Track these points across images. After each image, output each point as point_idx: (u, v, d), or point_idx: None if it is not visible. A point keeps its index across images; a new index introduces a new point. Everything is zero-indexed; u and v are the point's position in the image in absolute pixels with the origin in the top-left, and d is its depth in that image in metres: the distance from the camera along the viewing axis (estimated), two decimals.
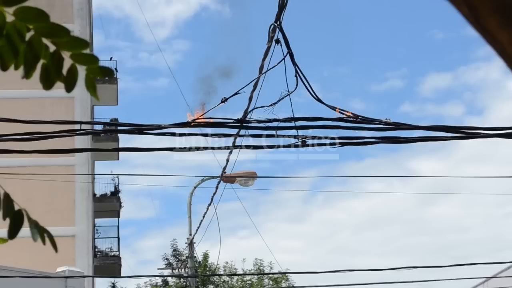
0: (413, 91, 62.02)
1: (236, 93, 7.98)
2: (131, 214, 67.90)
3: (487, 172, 50.67)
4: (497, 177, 18.50)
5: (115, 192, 34.89)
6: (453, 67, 66.58)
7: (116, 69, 33.62)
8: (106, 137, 32.71)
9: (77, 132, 8.91)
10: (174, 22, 56.82)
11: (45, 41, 1.82)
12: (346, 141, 7.80)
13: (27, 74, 1.83)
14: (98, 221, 34.87)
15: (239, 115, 8.24)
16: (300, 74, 7.84)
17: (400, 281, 16.41)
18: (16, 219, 1.89)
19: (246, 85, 8.15)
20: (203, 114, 7.71)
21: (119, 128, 8.37)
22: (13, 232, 1.91)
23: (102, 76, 1.87)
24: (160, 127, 7.92)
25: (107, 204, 34.30)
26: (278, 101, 7.98)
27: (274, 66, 7.95)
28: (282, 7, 7.81)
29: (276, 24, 7.94)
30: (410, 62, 62.99)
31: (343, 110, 7.81)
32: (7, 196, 1.87)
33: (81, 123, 9.35)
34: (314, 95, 7.87)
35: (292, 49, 7.91)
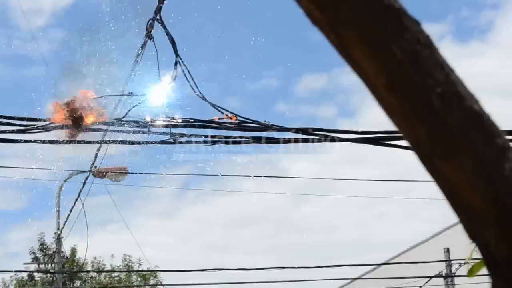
0: (288, 91, 62.64)
1: (108, 95, 7.90)
2: None
3: (359, 174, 51.83)
4: (364, 180, 18.92)
5: None
6: (327, 68, 67.53)
7: None
8: None
9: None
10: (51, 10, 55.67)
11: None
12: (218, 140, 7.86)
13: None
14: None
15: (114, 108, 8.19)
16: (184, 69, 7.84)
17: (269, 280, 16.59)
18: None
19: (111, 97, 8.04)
20: (71, 112, 7.61)
21: None
22: None
23: None
24: (31, 119, 7.80)
25: None
26: (147, 94, 8.00)
27: (173, 80, 7.89)
28: (161, 1, 7.77)
29: (157, 19, 7.90)
30: (286, 62, 63.57)
31: (226, 110, 7.87)
32: None
33: None
34: (197, 92, 7.89)
35: (167, 44, 7.91)
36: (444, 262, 22.14)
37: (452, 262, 21.96)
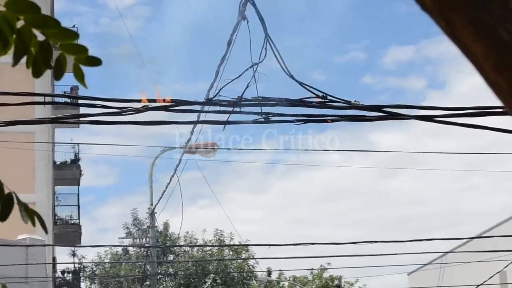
0: (375, 63, 62.29)
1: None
2: (91, 181, 67.74)
3: (446, 146, 51.30)
4: (454, 153, 18.77)
5: (75, 160, 34.82)
6: (415, 40, 66.79)
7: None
8: (67, 105, 32.58)
9: (40, 102, 8.96)
10: None
11: (35, 31, 1.90)
12: (309, 119, 7.96)
13: (16, 63, 1.93)
14: (58, 188, 34.81)
15: (205, 84, 8.39)
16: (274, 49, 7.95)
17: (359, 254, 16.63)
18: (6, 202, 1.99)
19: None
20: (161, 100, 7.81)
21: (82, 102, 8.42)
22: (4, 215, 2.01)
23: (89, 65, 1.97)
24: (123, 100, 8.01)
25: (67, 172, 34.23)
26: (240, 75, 8.13)
27: (261, 61, 8.02)
28: None
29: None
30: (372, 34, 63.17)
31: (315, 89, 7.94)
32: None
33: (44, 95, 9.39)
34: (287, 71, 7.99)
35: (256, 22, 8.02)
36: None
37: None
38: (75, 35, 1.95)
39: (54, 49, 1.94)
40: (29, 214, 2.03)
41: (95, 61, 1.98)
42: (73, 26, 33.98)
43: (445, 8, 1.73)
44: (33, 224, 2.05)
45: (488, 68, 1.73)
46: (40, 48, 1.92)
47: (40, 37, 1.94)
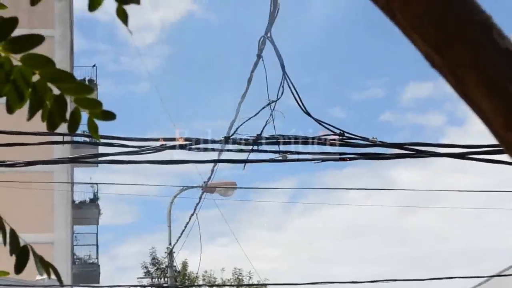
0: (394, 100, 62.14)
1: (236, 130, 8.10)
2: (109, 220, 67.74)
3: (465, 182, 50.99)
4: (474, 191, 18.69)
5: (94, 199, 34.88)
6: (434, 76, 66.50)
7: (96, 77, 33.67)
8: (86, 144, 32.69)
9: (59, 142, 8.99)
10: (159, 27, 56.70)
11: (50, 85, 1.92)
12: (327, 157, 7.96)
13: (31, 117, 1.94)
14: (77, 228, 34.84)
15: (223, 121, 8.43)
16: (291, 87, 7.96)
17: None
18: (22, 255, 2.00)
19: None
20: (180, 139, 7.84)
21: (101, 141, 8.44)
22: (19, 267, 2.02)
23: (104, 120, 1.98)
24: (141, 139, 8.05)
25: (86, 211, 34.28)
26: (258, 113, 8.16)
27: (278, 98, 8.05)
28: (272, 20, 7.92)
29: (267, 37, 8.05)
30: (391, 71, 63.12)
31: (332, 126, 7.95)
32: (13, 232, 1.98)
33: (63, 135, 9.41)
34: (304, 109, 8.00)
35: (273, 58, 8.06)
36: None
37: None
38: (90, 89, 1.96)
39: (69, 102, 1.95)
40: (45, 266, 2.04)
41: (109, 116, 1.99)
42: (93, 66, 34.25)
43: (454, 66, 1.73)
44: (49, 276, 2.05)
45: (497, 125, 1.73)
46: (55, 102, 1.94)
47: (56, 90, 1.96)
